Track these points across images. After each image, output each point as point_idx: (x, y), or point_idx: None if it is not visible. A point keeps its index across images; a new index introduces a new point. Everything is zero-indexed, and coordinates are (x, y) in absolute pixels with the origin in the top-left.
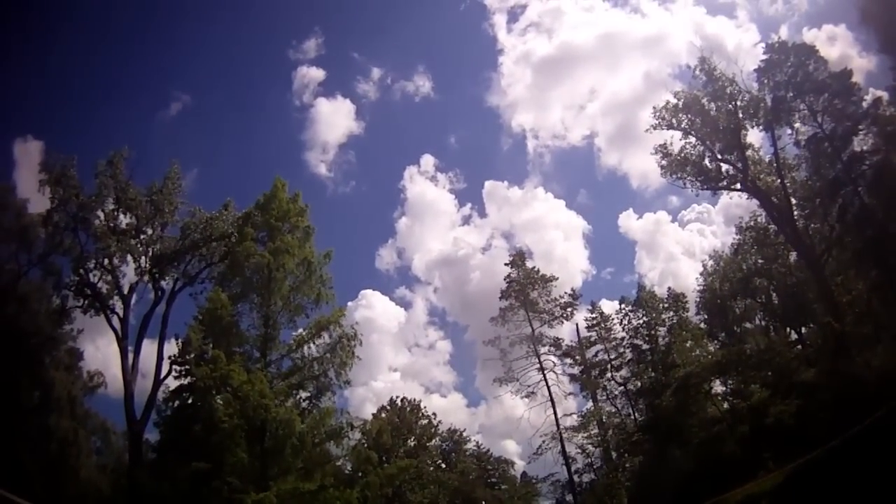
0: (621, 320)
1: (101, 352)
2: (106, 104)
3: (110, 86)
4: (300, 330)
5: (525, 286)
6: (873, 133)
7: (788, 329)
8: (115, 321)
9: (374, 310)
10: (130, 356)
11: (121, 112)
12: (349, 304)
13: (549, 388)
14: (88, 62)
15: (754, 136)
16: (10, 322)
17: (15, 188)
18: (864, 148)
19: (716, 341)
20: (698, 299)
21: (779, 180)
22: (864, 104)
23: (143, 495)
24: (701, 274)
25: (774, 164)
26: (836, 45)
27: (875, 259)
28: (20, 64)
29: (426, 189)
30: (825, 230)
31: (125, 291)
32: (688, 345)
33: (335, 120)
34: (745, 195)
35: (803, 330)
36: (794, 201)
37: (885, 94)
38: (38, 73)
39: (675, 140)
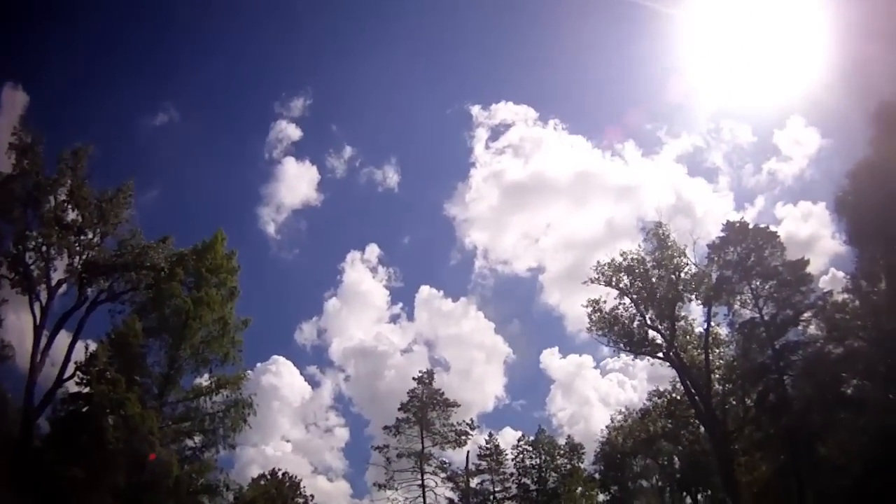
0: (515, 456)
1: (23, 327)
2: (98, 87)
3: (108, 74)
4: (202, 380)
5: (426, 405)
6: (816, 322)
7: (685, 493)
8: (37, 307)
9: (282, 378)
10: (44, 342)
11: (109, 100)
12: (259, 364)
13: None
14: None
15: (691, 306)
16: None
17: None
18: (801, 338)
19: (607, 492)
20: (598, 449)
21: (703, 356)
22: (813, 295)
23: (26, 477)
24: (607, 426)
25: (703, 339)
26: (810, 223)
27: (787, 447)
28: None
29: (364, 278)
30: (741, 410)
31: (53, 283)
32: (577, 491)
33: (298, 184)
34: (665, 364)
35: (699, 497)
36: (715, 376)
37: (845, 280)
38: (51, 33)
39: (611, 298)
